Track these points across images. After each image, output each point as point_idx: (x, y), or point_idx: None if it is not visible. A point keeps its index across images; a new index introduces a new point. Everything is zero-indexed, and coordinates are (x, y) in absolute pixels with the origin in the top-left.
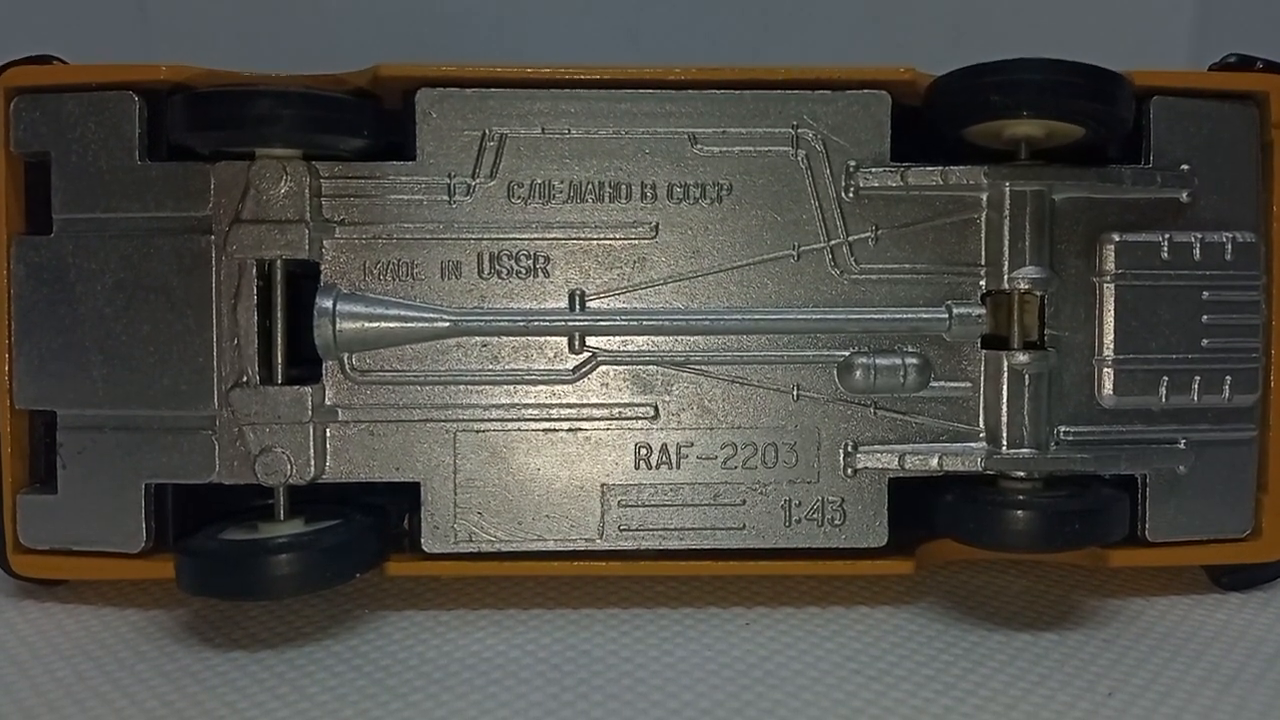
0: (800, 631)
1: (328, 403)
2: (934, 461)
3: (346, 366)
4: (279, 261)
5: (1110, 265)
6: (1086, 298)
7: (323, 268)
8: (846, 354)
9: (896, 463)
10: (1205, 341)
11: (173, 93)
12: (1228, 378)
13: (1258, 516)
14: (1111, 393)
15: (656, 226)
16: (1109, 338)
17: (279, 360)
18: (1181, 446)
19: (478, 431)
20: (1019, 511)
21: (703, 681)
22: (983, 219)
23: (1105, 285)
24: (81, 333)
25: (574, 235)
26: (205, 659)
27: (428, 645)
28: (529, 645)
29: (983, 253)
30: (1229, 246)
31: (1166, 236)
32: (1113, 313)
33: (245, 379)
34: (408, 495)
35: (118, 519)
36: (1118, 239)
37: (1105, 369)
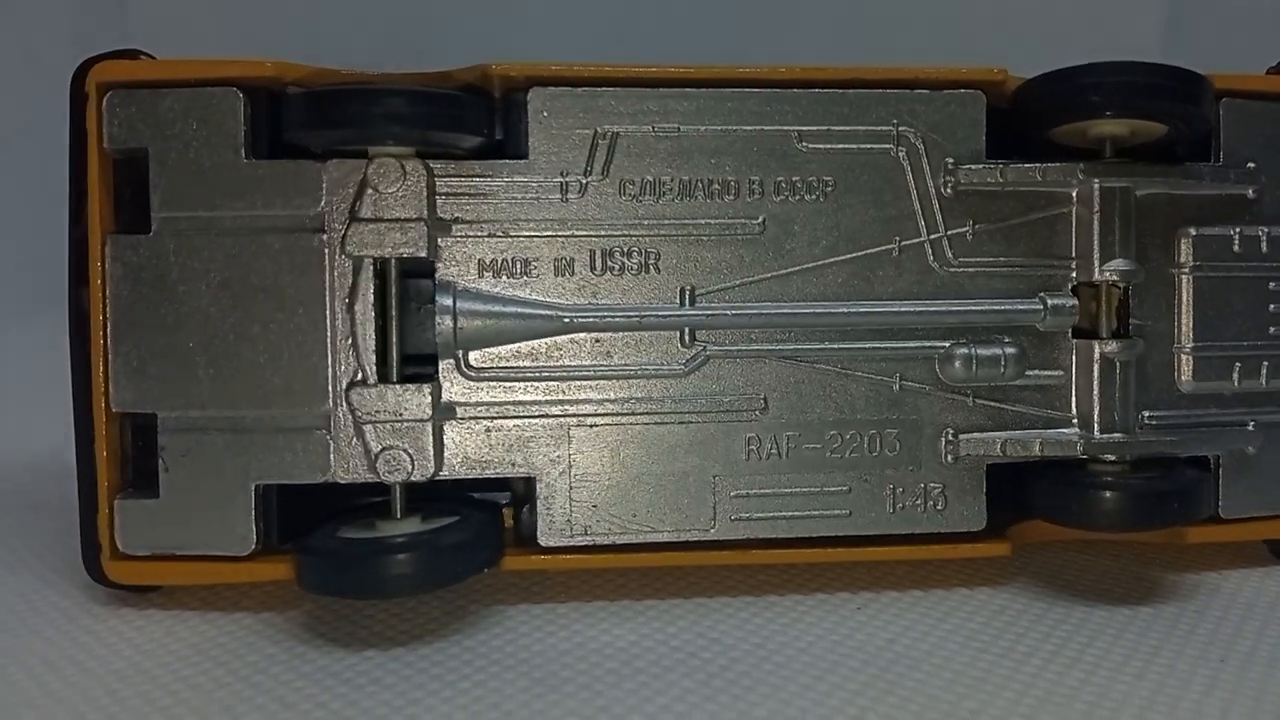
0: (913, 614)
1: (445, 400)
2: (1035, 447)
3: (463, 364)
4: (394, 260)
5: (1187, 258)
6: (1166, 289)
7: (438, 266)
8: (947, 345)
9: (998, 449)
10: (1272, 329)
11: (278, 90)
12: None
13: None
14: (1190, 378)
15: (764, 222)
16: (1187, 326)
17: (394, 358)
18: (1251, 428)
19: (591, 426)
20: (1121, 494)
21: (842, 664)
22: (1073, 214)
23: (1183, 276)
24: (185, 333)
25: (684, 232)
26: (340, 659)
27: (558, 638)
28: (657, 634)
29: (1073, 246)
30: None
31: (1237, 230)
32: (1190, 303)
33: (362, 377)
34: (510, 489)
35: (225, 521)
36: (1194, 233)
37: (1184, 356)
